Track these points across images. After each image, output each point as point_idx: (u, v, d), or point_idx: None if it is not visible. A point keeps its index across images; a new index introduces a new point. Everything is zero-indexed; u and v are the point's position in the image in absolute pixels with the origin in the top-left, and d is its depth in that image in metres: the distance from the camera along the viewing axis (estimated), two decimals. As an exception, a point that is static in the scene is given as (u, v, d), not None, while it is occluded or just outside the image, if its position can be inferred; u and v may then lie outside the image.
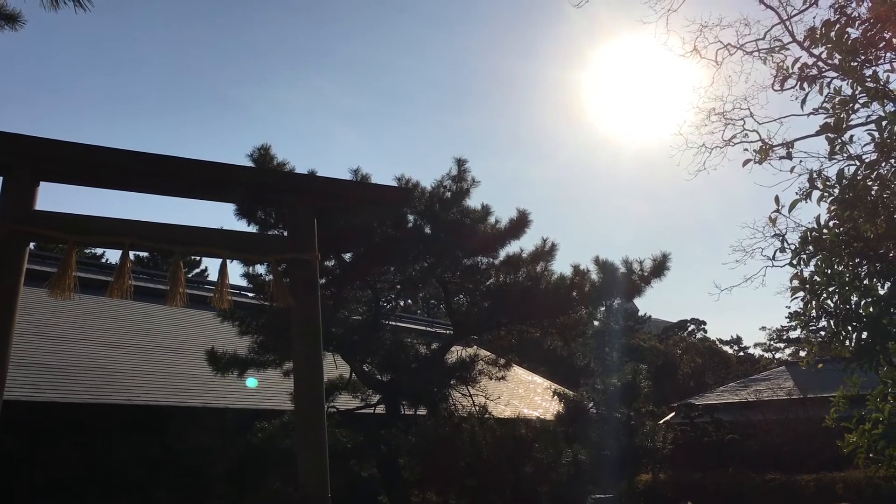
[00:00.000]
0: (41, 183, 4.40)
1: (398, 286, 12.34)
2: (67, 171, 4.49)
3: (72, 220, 4.36)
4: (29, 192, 4.29)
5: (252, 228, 10.23)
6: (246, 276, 11.12)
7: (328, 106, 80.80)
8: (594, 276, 10.93)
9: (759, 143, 7.40)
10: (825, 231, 5.24)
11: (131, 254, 4.46)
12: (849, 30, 5.73)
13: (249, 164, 10.06)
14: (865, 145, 5.29)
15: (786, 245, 5.58)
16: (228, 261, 4.71)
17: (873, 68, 5.82)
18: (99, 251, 26.95)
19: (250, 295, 12.92)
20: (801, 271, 5.40)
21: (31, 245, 4.50)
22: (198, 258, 28.38)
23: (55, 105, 67.86)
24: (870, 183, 5.21)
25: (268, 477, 9.78)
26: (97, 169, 4.51)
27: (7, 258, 4.14)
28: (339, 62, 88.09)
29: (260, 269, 10.61)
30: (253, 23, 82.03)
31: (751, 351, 49.06)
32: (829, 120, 5.53)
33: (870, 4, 6.12)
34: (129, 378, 11.65)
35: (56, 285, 4.27)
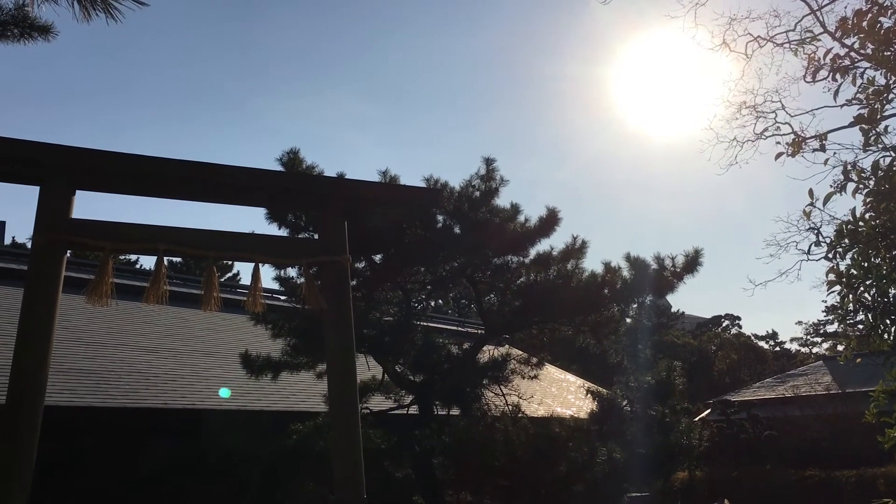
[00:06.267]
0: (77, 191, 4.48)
1: (429, 286, 12.37)
2: (104, 180, 4.56)
3: (108, 227, 4.43)
4: (66, 202, 4.36)
5: (283, 232, 10.33)
6: (278, 279, 11.23)
7: (346, 114, 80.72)
8: (625, 273, 10.86)
9: (792, 136, 7.28)
10: (861, 223, 5.15)
11: (165, 259, 4.52)
12: (881, 19, 5.62)
13: (278, 168, 10.16)
14: (901, 136, 5.20)
15: (821, 238, 5.50)
16: (260, 264, 4.75)
17: (908, 57, 5.71)
18: (133, 257, 27.33)
19: (283, 298, 13.05)
20: (837, 265, 5.32)
21: (68, 253, 4.57)
22: (230, 262, 28.69)
23: (68, 112, 68.78)
24: (906, 174, 5.12)
25: (302, 478, 9.86)
26: (133, 177, 4.59)
27: (47, 267, 4.22)
28: (355, 71, 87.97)
29: (291, 272, 10.70)
30: (263, 33, 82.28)
31: (787, 346, 48.41)
32: (862, 111, 5.43)
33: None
34: (164, 382, 11.82)
35: (94, 292, 4.34)
